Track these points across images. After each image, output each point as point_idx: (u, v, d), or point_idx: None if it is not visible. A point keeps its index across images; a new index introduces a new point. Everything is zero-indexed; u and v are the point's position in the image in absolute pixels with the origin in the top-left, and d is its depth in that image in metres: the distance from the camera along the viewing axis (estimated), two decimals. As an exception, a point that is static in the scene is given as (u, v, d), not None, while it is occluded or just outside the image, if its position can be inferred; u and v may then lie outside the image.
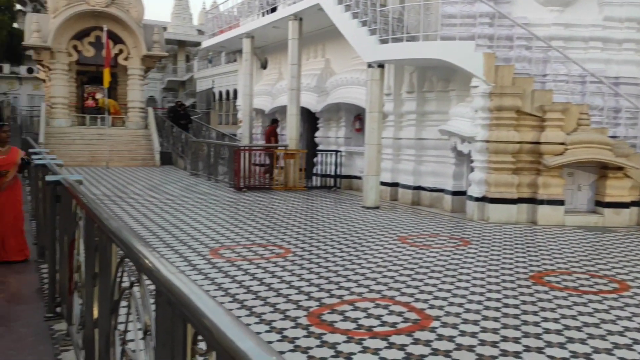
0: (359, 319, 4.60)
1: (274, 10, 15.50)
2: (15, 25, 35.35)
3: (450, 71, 10.95)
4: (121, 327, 2.36)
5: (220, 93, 37.32)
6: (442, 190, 11.34)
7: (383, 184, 12.10)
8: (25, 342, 3.98)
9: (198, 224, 8.93)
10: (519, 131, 9.75)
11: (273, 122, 16.33)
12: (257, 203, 11.54)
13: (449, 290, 5.48)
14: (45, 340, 4.02)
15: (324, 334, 4.25)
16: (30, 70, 34.89)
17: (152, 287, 1.68)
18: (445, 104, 11.40)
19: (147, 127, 22.08)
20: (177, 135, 20.49)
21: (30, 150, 7.99)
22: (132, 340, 2.25)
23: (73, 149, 19.40)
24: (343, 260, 6.67)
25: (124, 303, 2.37)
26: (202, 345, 1.34)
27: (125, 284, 2.20)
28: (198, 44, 41.46)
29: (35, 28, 20.46)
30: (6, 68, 35.25)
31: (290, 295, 5.22)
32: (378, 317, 4.66)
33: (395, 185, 12.47)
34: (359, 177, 14.17)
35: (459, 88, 11.06)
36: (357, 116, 14.43)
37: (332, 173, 14.21)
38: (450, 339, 4.21)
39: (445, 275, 6.06)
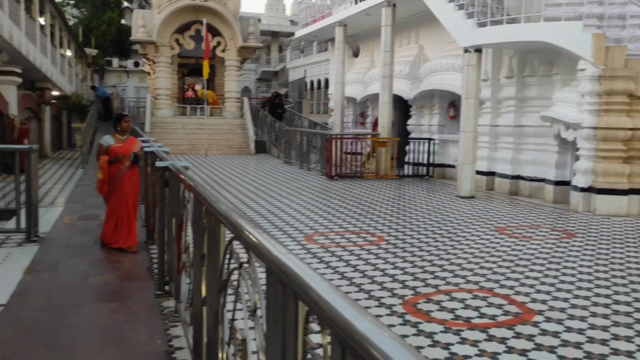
0: (456, 309, 4.50)
1: (367, -3, 15.39)
2: (122, 21, 37.76)
3: (554, 54, 10.35)
4: (229, 305, 2.46)
5: (312, 82, 37.71)
6: (542, 180, 10.79)
7: (478, 172, 11.72)
8: (138, 317, 4.27)
9: (292, 210, 9.13)
10: (631, 117, 9.04)
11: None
12: (348, 191, 11.60)
13: (552, 284, 5.22)
14: (155, 315, 4.30)
15: (420, 322, 4.20)
16: (136, 64, 37.14)
17: (261, 267, 1.73)
18: (548, 89, 10.80)
19: (243, 116, 22.81)
20: (271, 125, 21.01)
21: (140, 139, 8.51)
22: (240, 319, 2.34)
23: (175, 137, 20.46)
24: (437, 250, 6.55)
25: (232, 283, 2.47)
26: (315, 327, 1.36)
27: (234, 265, 2.28)
28: (291, 34, 42.17)
29: (141, 23, 21.73)
30: (115, 62, 37.76)
31: (384, 282, 5.21)
32: (476, 308, 4.54)
33: (491, 174, 12.03)
34: (452, 166, 13.81)
35: (563, 72, 10.42)
36: (452, 103, 14.05)
37: (425, 161, 13.95)
38: (555, 334, 4.01)
39: (548, 269, 5.77)
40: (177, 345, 3.74)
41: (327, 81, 34.70)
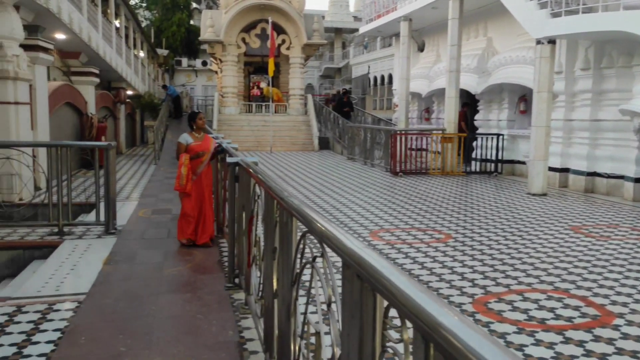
0: (530, 310, 4.35)
1: (433, -10, 15.09)
2: (191, 22, 38.94)
3: (634, 44, 9.77)
4: (301, 299, 2.49)
5: (375, 78, 37.48)
6: (621, 177, 10.23)
7: (551, 169, 11.27)
8: (210, 308, 4.40)
9: (356, 206, 9.12)
10: None
11: (463, 105, 15.25)
12: (413, 187, 11.45)
13: (633, 286, 4.94)
14: (226, 307, 4.42)
15: (492, 322, 4.09)
16: (204, 63, 38.23)
17: (334, 261, 1.74)
18: (628, 81, 10.21)
19: (307, 113, 23.00)
20: (334, 121, 21.07)
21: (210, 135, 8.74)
22: (312, 312, 2.36)
23: (241, 134, 20.91)
24: (508, 249, 6.35)
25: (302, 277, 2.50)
26: (395, 322, 1.35)
27: (307, 258, 2.31)
28: (354, 30, 42.07)
29: (210, 23, 22.33)
30: (184, 62, 39.03)
31: (453, 281, 5.11)
32: (551, 309, 4.37)
33: (565, 170, 11.53)
34: (522, 163, 13.35)
35: (645, 62, 9.84)
36: (522, 97, 13.56)
37: (493, 158, 13.55)
38: (638, 339, 3.79)
39: (629, 270, 5.47)
40: (247, 336, 3.82)
41: (390, 77, 34.39)
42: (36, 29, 10.89)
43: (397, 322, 1.34)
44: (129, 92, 21.50)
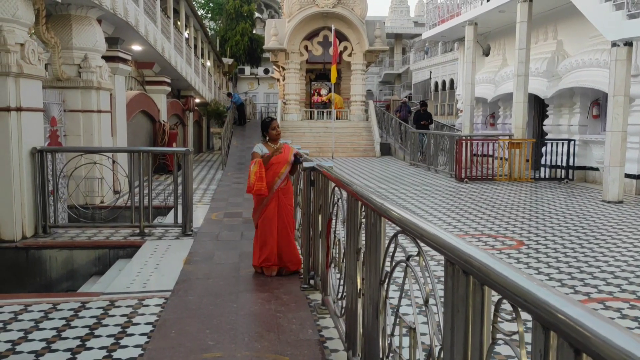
0: (613, 319, 4.24)
1: (500, -7, 14.85)
2: (254, 31, 39.93)
3: None
4: (392, 296, 2.58)
5: (437, 84, 37.12)
6: None
7: (627, 176, 10.84)
8: (288, 307, 4.56)
9: (422, 211, 9.10)
10: None
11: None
12: (480, 194, 11.29)
13: None
14: (304, 307, 4.56)
15: (573, 330, 4.02)
16: (266, 71, 39.13)
17: (431, 259, 1.81)
18: None
19: (368, 119, 23.07)
20: (396, 127, 21.01)
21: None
22: (402, 308, 2.44)
23: (304, 140, 21.20)
24: (585, 256, 6.18)
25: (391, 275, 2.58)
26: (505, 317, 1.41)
27: (400, 257, 2.39)
28: (415, 35, 41.89)
29: (273, 32, 22.85)
30: (247, 70, 40.03)
31: (528, 287, 5.04)
32: (635, 318, 4.24)
33: (642, 177, 11.06)
34: (595, 169, 12.89)
35: None
36: (595, 101, 13.10)
37: (564, 164, 13.14)
38: None
39: None
40: (327, 335, 3.94)
41: (452, 82, 33.96)
42: (116, 40, 11.56)
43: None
44: (197, 100, 22.30)
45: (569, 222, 8.26)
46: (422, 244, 2.06)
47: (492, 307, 1.51)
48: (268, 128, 5.56)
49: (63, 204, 8.28)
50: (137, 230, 7.42)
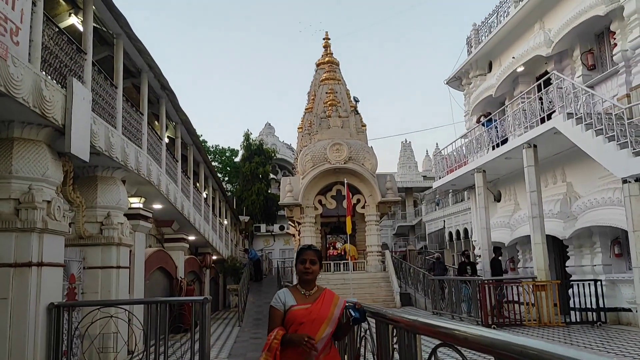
0: None
1: (504, 142, 15.57)
2: (269, 191, 41.47)
3: None
4: None
5: (450, 233, 37.34)
6: None
7: (664, 313, 10.30)
8: None
9: (453, 359, 8.55)
10: None
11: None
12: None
13: None
14: None
15: None
16: (281, 228, 39.82)
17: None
18: None
19: (385, 269, 22.84)
20: (415, 276, 20.71)
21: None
22: None
23: (321, 294, 20.82)
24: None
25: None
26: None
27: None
28: (424, 189, 43.22)
29: (288, 189, 23.71)
30: (262, 227, 40.82)
31: None
32: None
33: (681, 315, 10.50)
34: (627, 310, 12.32)
35: None
36: (615, 240, 12.96)
37: (594, 306, 12.59)
38: None
39: None
40: None
41: (466, 231, 34.12)
42: (138, 199, 12.02)
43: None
44: (214, 257, 22.42)
45: (611, 364, 7.68)
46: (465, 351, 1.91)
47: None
48: (297, 260, 3.50)
49: (75, 364, 7.94)
50: (152, 389, 6.99)
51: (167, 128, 15.74)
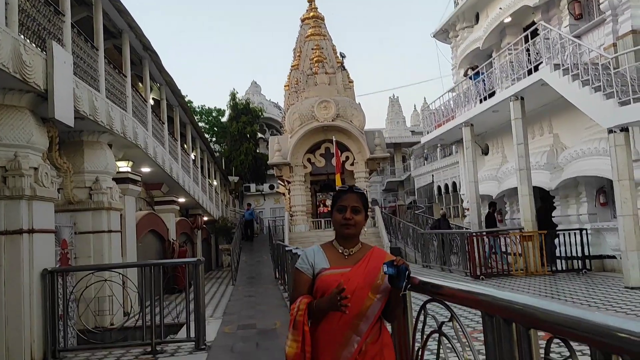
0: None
1: (491, 95, 15.54)
2: (258, 150, 41.32)
3: None
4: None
5: (439, 187, 37.69)
6: None
7: (647, 259, 10.57)
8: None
9: (443, 310, 8.79)
10: None
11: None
12: (499, 289, 10.95)
13: None
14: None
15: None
16: (271, 187, 39.93)
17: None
18: None
19: (375, 225, 23.09)
20: (404, 230, 20.99)
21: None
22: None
23: (313, 251, 21.07)
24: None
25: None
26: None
27: (431, 327, 2.27)
28: (413, 144, 43.26)
29: (277, 148, 23.63)
30: (252, 187, 40.91)
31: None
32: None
33: (662, 260, 10.79)
34: (612, 257, 12.64)
35: None
36: (600, 189, 13.17)
37: (579, 254, 12.91)
38: None
39: None
40: None
41: (454, 185, 34.44)
42: (126, 163, 11.94)
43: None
44: (205, 218, 22.51)
45: (595, 311, 7.94)
46: (453, 307, 1.97)
47: (542, 352, 1.41)
48: (333, 207, 2.58)
49: (73, 327, 8.06)
50: (149, 349, 7.14)
51: (151, 90, 15.51)
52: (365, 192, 2.55)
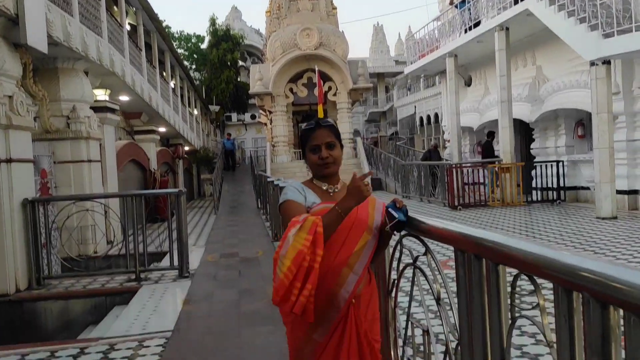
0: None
1: (476, 25, 15.28)
2: (239, 79, 40.51)
3: (695, 57, 9.54)
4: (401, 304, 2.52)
5: (422, 118, 37.69)
6: (696, 194, 9.79)
7: (619, 192, 10.90)
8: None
9: (421, 239, 9.05)
10: None
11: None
12: (475, 219, 11.29)
13: None
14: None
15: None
16: (253, 117, 39.56)
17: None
18: (692, 94, 9.92)
19: (357, 156, 23.22)
20: (385, 161, 21.17)
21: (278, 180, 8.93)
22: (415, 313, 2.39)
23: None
24: (586, 270, 6.14)
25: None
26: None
27: (406, 260, 2.36)
28: (396, 74, 42.72)
29: (258, 77, 23.22)
30: (234, 117, 40.45)
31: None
32: None
33: (634, 192, 11.13)
34: (586, 188, 12.98)
35: None
36: (579, 122, 13.33)
37: (554, 185, 13.23)
38: None
39: None
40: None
41: (437, 116, 34.45)
42: (103, 91, 11.67)
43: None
44: (186, 148, 22.38)
45: (566, 240, 8.25)
46: (428, 242, 2.04)
47: (508, 287, 1.49)
48: (304, 147, 2.35)
49: (56, 255, 8.16)
50: (133, 276, 7.30)
51: (127, 14, 14.91)
52: (334, 123, 2.30)
